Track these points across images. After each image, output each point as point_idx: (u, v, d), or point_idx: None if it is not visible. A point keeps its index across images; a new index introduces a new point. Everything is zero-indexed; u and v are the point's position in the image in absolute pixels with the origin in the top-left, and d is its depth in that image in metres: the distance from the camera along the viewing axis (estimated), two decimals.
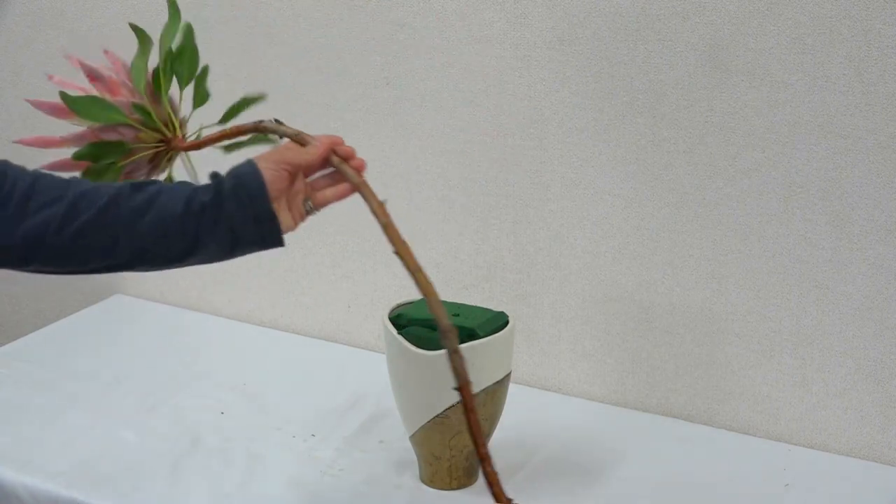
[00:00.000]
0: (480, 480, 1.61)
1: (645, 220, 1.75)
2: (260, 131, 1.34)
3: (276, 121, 1.34)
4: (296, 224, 1.28)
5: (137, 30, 1.37)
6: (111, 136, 1.31)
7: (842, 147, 1.60)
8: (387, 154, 1.93)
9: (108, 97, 1.31)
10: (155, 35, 1.41)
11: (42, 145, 1.32)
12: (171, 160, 1.38)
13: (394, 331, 1.55)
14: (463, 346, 1.50)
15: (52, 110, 1.31)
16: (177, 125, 1.36)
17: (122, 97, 1.32)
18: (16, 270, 1.22)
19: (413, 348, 1.52)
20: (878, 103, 1.56)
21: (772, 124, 1.63)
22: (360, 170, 1.30)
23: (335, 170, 1.31)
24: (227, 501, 1.58)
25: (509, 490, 1.65)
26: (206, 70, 1.37)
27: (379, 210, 1.27)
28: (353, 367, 1.97)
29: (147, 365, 1.97)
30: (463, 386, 1.25)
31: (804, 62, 1.59)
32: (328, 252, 2.02)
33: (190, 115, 1.40)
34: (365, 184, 1.28)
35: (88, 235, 1.18)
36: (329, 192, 1.30)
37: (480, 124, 1.83)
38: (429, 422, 1.54)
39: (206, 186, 1.24)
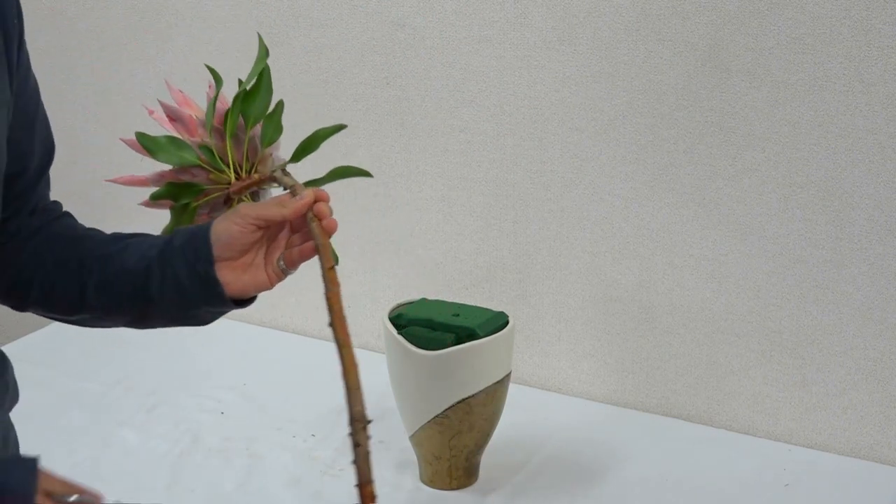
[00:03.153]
0: (480, 480, 1.61)
1: (645, 220, 1.75)
2: (273, 181, 1.28)
3: (283, 171, 1.27)
4: (272, 283, 1.21)
5: (212, 70, 1.34)
6: (184, 177, 1.28)
7: (842, 147, 1.60)
8: (387, 154, 1.93)
9: (184, 137, 1.28)
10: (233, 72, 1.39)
11: (130, 184, 1.30)
12: (238, 202, 1.30)
13: (394, 331, 1.55)
14: (463, 346, 1.51)
15: (135, 147, 1.29)
16: (246, 166, 1.29)
17: (197, 137, 1.29)
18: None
19: (413, 348, 1.52)
20: (878, 103, 1.56)
21: (772, 124, 1.63)
22: (330, 230, 1.20)
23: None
24: (226, 501, 1.58)
25: (509, 490, 1.66)
26: (279, 107, 1.30)
27: (329, 275, 1.18)
28: None
29: (147, 365, 1.97)
30: (364, 484, 1.17)
31: (804, 62, 1.59)
32: None
33: (260, 154, 1.30)
34: (327, 246, 1.19)
35: (95, 294, 1.22)
36: (296, 251, 1.21)
37: (480, 124, 1.83)
38: (429, 422, 1.54)
39: (159, 242, 1.21)
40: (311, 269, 2.13)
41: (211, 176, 1.27)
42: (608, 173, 1.76)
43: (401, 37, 1.85)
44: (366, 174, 1.30)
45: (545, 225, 1.83)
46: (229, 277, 1.17)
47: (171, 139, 1.27)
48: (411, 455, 1.62)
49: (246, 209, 1.18)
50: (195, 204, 1.28)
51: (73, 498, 1.02)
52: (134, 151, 1.29)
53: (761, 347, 1.72)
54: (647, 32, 1.67)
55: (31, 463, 1.01)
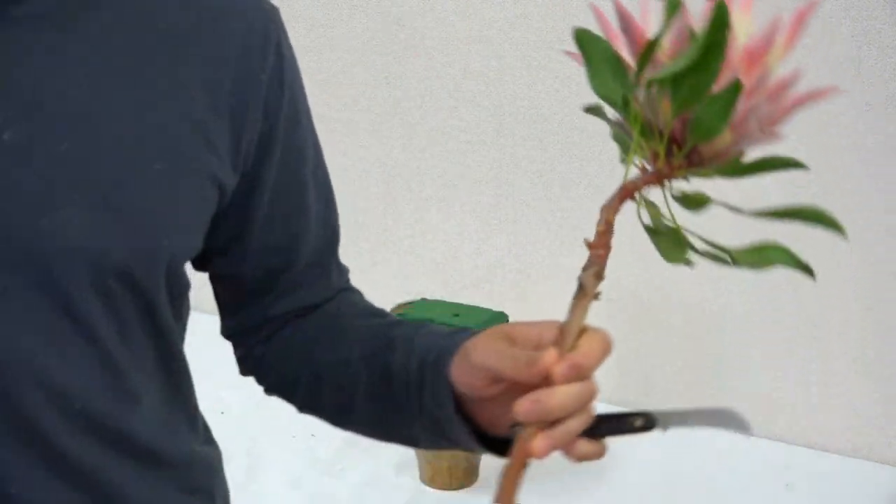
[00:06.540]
0: (480, 480, 1.61)
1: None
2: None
3: (596, 271, 0.81)
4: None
5: None
6: (610, 107, 0.86)
7: (842, 147, 1.60)
8: (387, 154, 1.93)
9: (630, 63, 0.84)
10: None
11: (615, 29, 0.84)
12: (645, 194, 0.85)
13: None
14: None
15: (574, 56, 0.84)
16: (664, 149, 0.82)
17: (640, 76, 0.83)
18: None
19: None
20: (878, 103, 1.56)
21: None
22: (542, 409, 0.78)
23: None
24: None
25: None
26: (734, 90, 0.75)
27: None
28: None
29: None
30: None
31: (804, 62, 1.59)
32: None
33: (687, 148, 0.83)
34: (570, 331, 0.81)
35: None
36: (583, 449, 0.82)
37: (480, 124, 1.83)
38: None
39: (426, 350, 0.92)
40: None
41: (636, 134, 0.85)
42: (608, 173, 1.76)
43: (401, 37, 1.85)
44: (839, 230, 0.75)
45: (545, 225, 1.83)
46: (484, 417, 0.88)
47: (612, 58, 0.84)
48: (411, 455, 1.62)
49: (476, 357, 0.85)
50: (627, 158, 0.86)
51: None
52: None
53: (761, 347, 1.72)
54: None
55: None
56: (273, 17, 0.98)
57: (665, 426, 0.84)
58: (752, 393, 1.74)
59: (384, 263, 1.98)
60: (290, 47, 1.00)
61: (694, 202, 0.82)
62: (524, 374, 0.79)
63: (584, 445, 0.80)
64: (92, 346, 0.82)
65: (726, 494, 1.59)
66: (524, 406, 0.76)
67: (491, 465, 1.63)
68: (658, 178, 0.82)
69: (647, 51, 0.76)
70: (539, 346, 0.81)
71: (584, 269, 0.80)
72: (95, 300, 0.81)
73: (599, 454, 0.81)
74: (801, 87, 0.78)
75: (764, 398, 1.74)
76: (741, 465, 1.67)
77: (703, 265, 1.90)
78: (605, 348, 0.80)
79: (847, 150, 1.59)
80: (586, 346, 0.79)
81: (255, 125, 0.89)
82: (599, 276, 0.81)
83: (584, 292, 0.80)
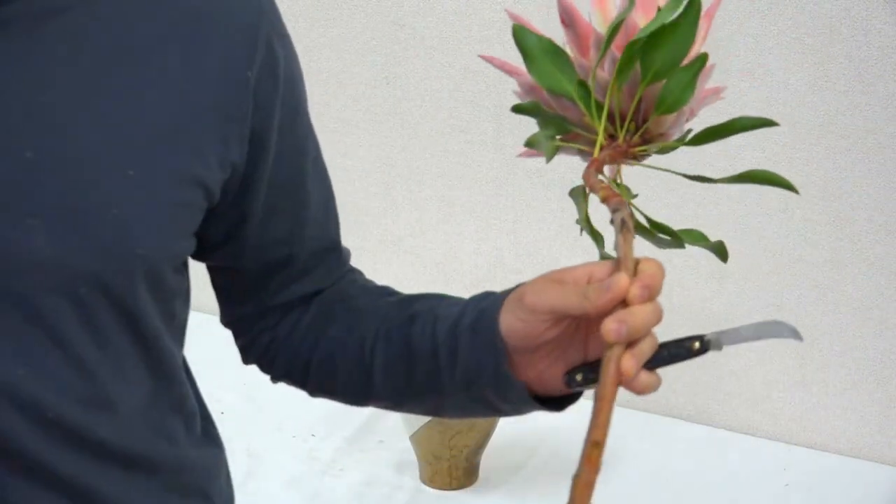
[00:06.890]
0: (480, 480, 1.61)
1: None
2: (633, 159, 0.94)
3: (627, 212, 0.89)
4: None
5: None
6: (552, 105, 0.95)
7: (842, 147, 1.60)
8: (387, 154, 1.93)
9: (572, 54, 0.92)
10: None
11: (500, 67, 0.97)
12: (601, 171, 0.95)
13: None
14: None
15: (503, 65, 0.96)
16: (630, 126, 0.93)
17: (586, 64, 0.91)
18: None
19: None
20: (878, 103, 1.56)
21: None
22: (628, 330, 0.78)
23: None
24: None
25: (509, 490, 1.65)
26: (700, 61, 0.87)
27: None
28: None
29: None
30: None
31: (804, 62, 1.59)
32: None
33: (653, 119, 0.94)
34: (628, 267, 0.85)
35: None
36: (645, 379, 0.82)
37: (480, 124, 1.83)
38: (429, 422, 1.54)
39: (457, 315, 0.91)
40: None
41: (585, 119, 0.93)
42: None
43: (401, 37, 1.85)
44: (789, 187, 0.86)
45: (545, 225, 1.83)
46: (531, 374, 0.87)
47: (554, 50, 0.92)
48: (411, 455, 1.62)
49: (534, 299, 0.84)
50: (557, 144, 0.97)
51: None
52: None
53: (761, 347, 1.72)
54: None
55: None
56: (264, 9, 0.96)
57: (719, 346, 0.89)
58: (752, 393, 1.74)
59: (384, 263, 1.98)
60: (285, 40, 0.98)
61: (624, 189, 0.97)
62: (595, 304, 0.82)
63: (645, 376, 0.82)
64: (63, 354, 0.80)
65: (726, 494, 1.59)
66: (612, 326, 0.78)
67: (491, 465, 1.63)
68: (622, 154, 0.93)
69: (611, 31, 0.84)
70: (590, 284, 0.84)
71: (616, 212, 0.87)
72: (67, 308, 0.80)
73: (657, 385, 0.83)
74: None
75: (764, 398, 1.74)
76: (741, 465, 1.67)
77: (704, 266, 1.91)
78: (663, 271, 0.86)
79: (847, 151, 1.59)
80: (649, 270, 0.85)
81: (246, 122, 0.88)
82: (632, 215, 0.88)
83: (628, 227, 0.87)
